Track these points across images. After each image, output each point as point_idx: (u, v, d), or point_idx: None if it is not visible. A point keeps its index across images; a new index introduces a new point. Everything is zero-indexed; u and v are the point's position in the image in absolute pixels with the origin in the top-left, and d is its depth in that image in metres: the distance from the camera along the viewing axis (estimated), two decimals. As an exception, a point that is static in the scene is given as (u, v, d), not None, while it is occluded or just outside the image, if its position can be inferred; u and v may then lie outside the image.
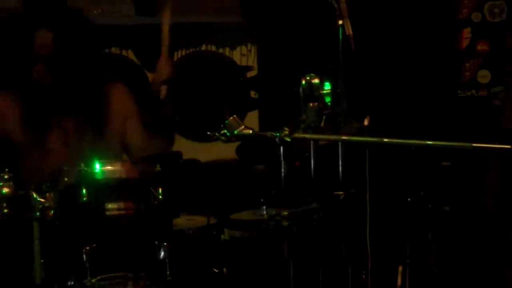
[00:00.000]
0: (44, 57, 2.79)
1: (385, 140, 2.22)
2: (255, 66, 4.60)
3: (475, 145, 2.09)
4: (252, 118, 4.41)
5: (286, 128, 2.27)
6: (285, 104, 3.51)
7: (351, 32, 2.36)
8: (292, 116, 2.46)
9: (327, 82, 2.44)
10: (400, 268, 3.18)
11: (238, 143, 3.43)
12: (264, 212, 3.15)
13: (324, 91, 2.43)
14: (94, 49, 2.96)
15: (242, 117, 3.95)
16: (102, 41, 3.12)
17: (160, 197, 2.53)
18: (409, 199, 3.18)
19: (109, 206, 2.47)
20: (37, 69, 2.80)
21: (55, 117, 2.90)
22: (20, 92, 2.88)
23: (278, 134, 2.27)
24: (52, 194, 2.44)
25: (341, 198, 2.47)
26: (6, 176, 2.42)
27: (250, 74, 4.51)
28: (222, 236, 3.18)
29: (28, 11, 2.88)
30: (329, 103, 2.43)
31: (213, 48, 4.62)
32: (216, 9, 4.56)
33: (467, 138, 2.15)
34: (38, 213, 2.42)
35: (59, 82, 2.84)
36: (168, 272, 2.49)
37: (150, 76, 4.48)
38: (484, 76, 4.13)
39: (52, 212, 2.43)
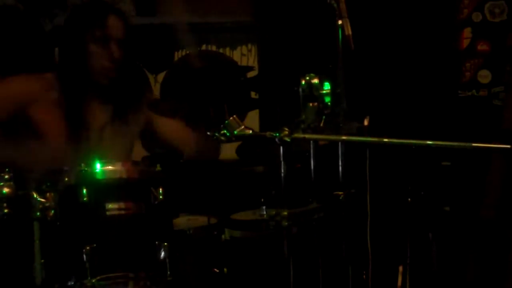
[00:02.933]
0: (117, 39, 2.82)
1: (385, 140, 2.22)
2: (256, 66, 4.60)
3: (475, 145, 2.09)
4: (253, 118, 4.41)
5: (286, 128, 2.27)
6: (285, 104, 3.52)
7: (350, 32, 2.36)
8: (292, 116, 2.46)
9: (327, 82, 2.43)
10: (401, 268, 3.18)
11: (238, 143, 3.43)
12: (264, 212, 3.16)
13: (324, 91, 2.43)
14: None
15: (242, 117, 3.95)
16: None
17: (161, 197, 2.53)
18: (409, 199, 3.18)
19: (110, 206, 2.47)
20: (112, 49, 2.81)
21: (89, 107, 2.89)
22: (58, 74, 2.87)
23: (277, 134, 2.27)
24: (52, 194, 2.44)
25: (341, 198, 2.47)
26: (6, 176, 2.42)
27: (251, 74, 4.51)
28: (222, 236, 3.18)
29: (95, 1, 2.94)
30: (329, 103, 2.43)
31: (214, 48, 4.63)
32: (217, 9, 4.56)
33: (467, 138, 2.15)
34: (38, 213, 2.42)
35: (123, 67, 2.86)
36: (168, 272, 2.49)
37: (150, 76, 4.50)
38: (484, 76, 4.13)
39: (52, 212, 2.43)
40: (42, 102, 2.80)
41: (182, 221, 3.26)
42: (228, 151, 3.53)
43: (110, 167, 2.51)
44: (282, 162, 2.40)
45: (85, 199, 2.44)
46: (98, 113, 2.89)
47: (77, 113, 2.82)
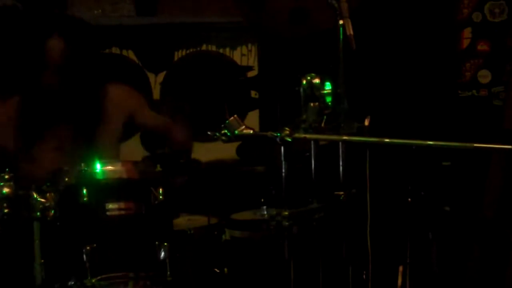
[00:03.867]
0: (55, 65, 2.78)
1: (386, 140, 2.22)
2: (256, 66, 4.60)
3: (475, 145, 2.09)
4: (253, 118, 4.41)
5: (287, 128, 2.27)
6: (285, 104, 3.51)
7: (352, 32, 2.36)
8: (292, 116, 2.45)
9: (327, 82, 2.43)
10: (401, 268, 3.18)
11: (238, 143, 3.43)
12: (265, 212, 3.16)
13: (325, 91, 2.43)
14: (95, 53, 2.96)
15: (242, 117, 3.94)
16: (101, 43, 3.13)
17: (161, 197, 2.53)
18: (409, 199, 3.18)
19: (110, 206, 2.47)
20: (48, 76, 2.79)
21: (51, 125, 2.88)
22: (22, 98, 2.87)
23: (278, 134, 2.27)
24: (52, 194, 2.44)
25: (341, 198, 2.47)
26: (6, 176, 2.42)
27: (251, 74, 4.51)
28: (223, 236, 3.18)
29: (39, 17, 2.88)
30: (329, 103, 2.43)
31: (214, 48, 4.62)
32: (216, 9, 4.56)
33: (467, 138, 2.15)
34: (38, 213, 2.42)
35: (65, 87, 2.82)
36: (168, 272, 2.49)
37: (150, 76, 4.49)
38: (484, 76, 4.12)
39: (52, 212, 2.43)
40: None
41: (182, 221, 3.26)
42: (228, 151, 3.54)
43: (110, 167, 2.51)
44: (283, 162, 2.40)
45: (85, 199, 2.44)
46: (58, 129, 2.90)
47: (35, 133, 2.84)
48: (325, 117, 2.42)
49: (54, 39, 2.78)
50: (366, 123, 2.42)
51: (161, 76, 4.54)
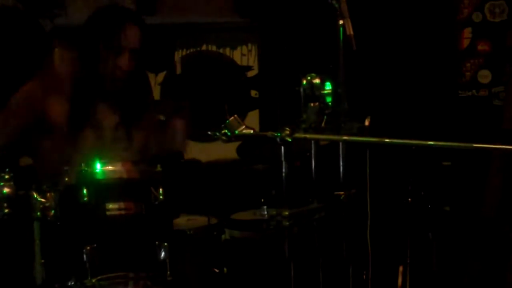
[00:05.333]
0: (132, 50, 2.79)
1: (386, 140, 2.22)
2: (256, 66, 4.60)
3: (475, 145, 2.09)
4: (253, 118, 4.41)
5: (287, 128, 2.27)
6: (285, 104, 3.51)
7: (352, 32, 2.36)
8: (292, 116, 2.46)
9: (328, 82, 2.43)
10: (401, 268, 3.18)
11: (238, 143, 3.43)
12: (265, 212, 3.15)
13: (325, 91, 2.43)
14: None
15: (242, 117, 3.95)
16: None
17: (161, 197, 2.52)
18: (409, 199, 3.18)
19: (110, 206, 2.46)
20: (124, 60, 2.79)
21: (96, 112, 2.88)
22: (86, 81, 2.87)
23: (279, 134, 2.27)
24: (52, 194, 2.44)
25: (342, 198, 2.47)
26: (6, 176, 2.42)
27: (251, 74, 4.52)
28: (222, 236, 3.18)
29: (115, 7, 2.93)
30: (330, 103, 2.43)
31: (214, 48, 4.63)
32: (216, 9, 4.56)
33: (467, 138, 2.15)
34: (38, 213, 2.42)
35: (133, 75, 2.85)
36: (168, 272, 2.49)
37: (150, 76, 4.49)
38: (484, 76, 4.13)
39: (52, 212, 2.43)
40: (54, 97, 2.79)
41: (182, 221, 3.26)
42: (228, 151, 3.54)
43: (110, 167, 2.50)
44: (283, 162, 2.40)
45: (85, 199, 2.43)
46: (106, 115, 2.89)
47: (84, 111, 2.82)
48: (325, 117, 2.43)
49: (132, 25, 2.81)
50: (366, 123, 2.42)
51: (161, 76, 4.54)
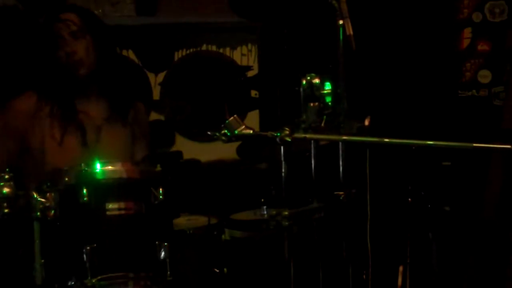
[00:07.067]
0: (71, 32, 2.90)
1: (386, 140, 2.22)
2: (256, 66, 4.60)
3: (475, 145, 2.09)
4: (253, 118, 4.41)
5: (287, 128, 2.27)
6: (286, 104, 3.51)
7: (351, 32, 2.36)
8: (292, 116, 2.45)
9: (327, 82, 2.43)
10: (401, 268, 3.18)
11: (238, 143, 3.43)
12: (265, 212, 3.15)
13: (325, 91, 2.43)
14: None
15: (242, 117, 3.95)
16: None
17: (161, 197, 2.52)
18: (409, 199, 3.18)
19: (110, 206, 2.46)
20: (69, 40, 2.89)
21: (77, 116, 2.91)
22: (48, 90, 2.91)
23: (278, 134, 2.27)
24: (52, 194, 2.44)
25: (341, 198, 2.47)
26: (6, 176, 2.42)
27: (251, 74, 4.51)
28: (222, 236, 3.17)
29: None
30: (329, 103, 2.43)
31: (214, 48, 4.62)
32: (217, 9, 4.56)
33: (467, 138, 2.15)
34: (38, 213, 2.42)
35: (101, 59, 2.93)
36: (168, 272, 2.49)
37: (150, 76, 4.49)
38: (484, 76, 4.12)
39: (52, 212, 2.43)
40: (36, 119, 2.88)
41: (182, 221, 3.25)
42: (228, 151, 3.53)
43: (110, 167, 2.51)
44: (283, 162, 2.41)
45: (85, 199, 2.43)
46: (93, 110, 2.91)
47: (70, 112, 2.86)
48: (325, 117, 2.43)
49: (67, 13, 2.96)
50: (366, 123, 2.42)
51: (161, 76, 4.54)
